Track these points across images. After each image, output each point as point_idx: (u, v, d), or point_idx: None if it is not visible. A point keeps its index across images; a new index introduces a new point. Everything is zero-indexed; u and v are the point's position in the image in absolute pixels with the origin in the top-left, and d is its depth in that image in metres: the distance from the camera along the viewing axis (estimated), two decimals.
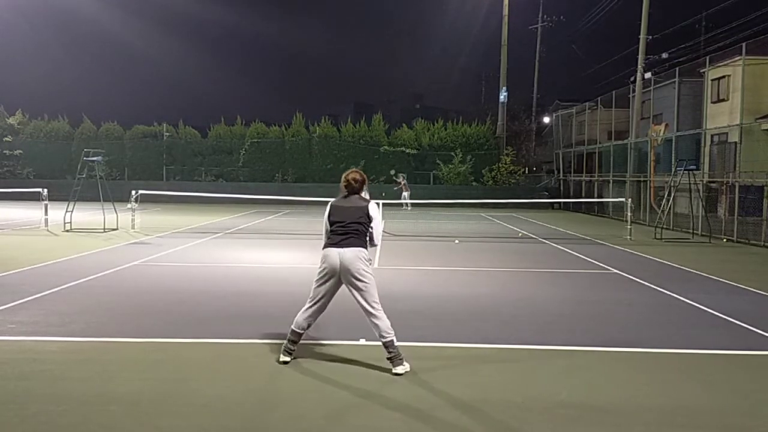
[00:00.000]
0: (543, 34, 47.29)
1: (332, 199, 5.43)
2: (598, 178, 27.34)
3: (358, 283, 5.05)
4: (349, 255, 5.04)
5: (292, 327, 5.24)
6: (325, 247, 5.20)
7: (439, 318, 7.00)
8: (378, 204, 5.92)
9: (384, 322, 5.04)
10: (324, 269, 5.13)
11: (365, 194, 5.42)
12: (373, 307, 5.04)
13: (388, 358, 5.03)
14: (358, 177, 5.35)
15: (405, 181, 28.92)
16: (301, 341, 5.54)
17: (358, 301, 5.08)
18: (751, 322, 7.00)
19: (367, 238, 5.23)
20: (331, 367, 5.16)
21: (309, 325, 5.26)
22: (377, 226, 5.28)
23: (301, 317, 5.23)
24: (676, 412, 4.33)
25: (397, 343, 5.06)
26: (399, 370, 4.97)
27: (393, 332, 5.05)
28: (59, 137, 35.13)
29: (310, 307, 5.21)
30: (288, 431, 3.95)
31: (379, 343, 5.10)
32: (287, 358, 5.21)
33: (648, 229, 18.73)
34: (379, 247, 13.32)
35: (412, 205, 27.69)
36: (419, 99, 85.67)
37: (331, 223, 5.23)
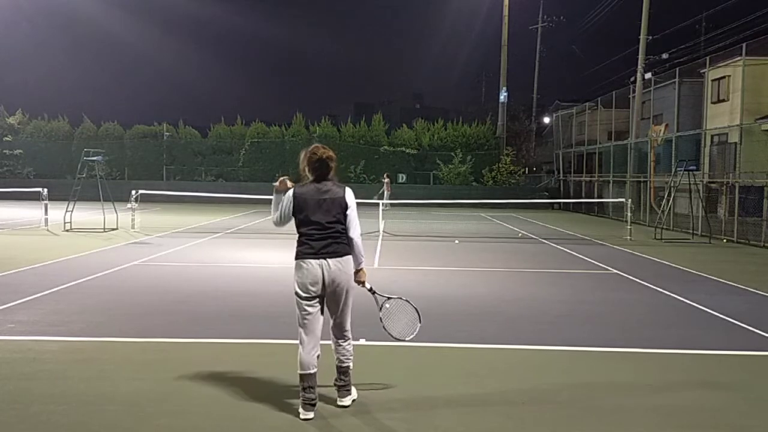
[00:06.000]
0: (543, 34, 47.38)
1: (295, 187, 4.30)
2: (598, 178, 27.34)
3: (343, 299, 4.24)
4: (336, 267, 4.16)
5: (303, 371, 4.15)
6: (302, 256, 4.20)
7: (438, 318, 6.99)
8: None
9: (351, 344, 4.39)
10: (305, 286, 4.17)
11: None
12: (348, 327, 4.36)
13: (338, 386, 4.33)
14: (332, 154, 4.28)
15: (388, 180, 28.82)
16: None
17: (337, 316, 4.28)
18: (751, 322, 7.00)
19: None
20: (330, 367, 5.14)
21: (318, 357, 4.25)
22: (354, 216, 4.27)
23: (306, 355, 4.17)
24: (676, 412, 4.33)
25: (399, 344, 5.03)
26: (347, 401, 4.31)
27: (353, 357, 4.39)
28: (59, 137, 35.13)
29: (307, 335, 4.20)
30: (288, 431, 3.95)
31: (379, 343, 5.09)
32: (310, 414, 4.09)
33: (648, 229, 18.73)
34: (379, 247, 13.39)
35: (410, 204, 27.64)
36: (419, 99, 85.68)
37: (302, 222, 4.20)
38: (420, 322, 4.61)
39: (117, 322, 6.57)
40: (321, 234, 4.17)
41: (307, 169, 4.28)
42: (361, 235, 4.37)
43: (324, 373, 4.42)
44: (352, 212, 4.26)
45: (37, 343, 5.74)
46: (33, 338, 5.88)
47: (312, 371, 4.17)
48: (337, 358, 4.34)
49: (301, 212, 4.21)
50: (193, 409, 4.25)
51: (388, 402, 4.40)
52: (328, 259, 4.16)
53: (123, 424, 3.98)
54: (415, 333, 4.61)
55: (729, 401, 4.59)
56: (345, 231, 4.24)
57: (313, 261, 4.16)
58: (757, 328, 6.74)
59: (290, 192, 4.27)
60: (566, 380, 4.96)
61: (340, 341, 4.34)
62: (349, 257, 4.26)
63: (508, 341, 6.09)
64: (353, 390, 4.40)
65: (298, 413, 4.13)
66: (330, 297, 4.24)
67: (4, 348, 5.57)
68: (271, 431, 3.96)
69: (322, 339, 4.29)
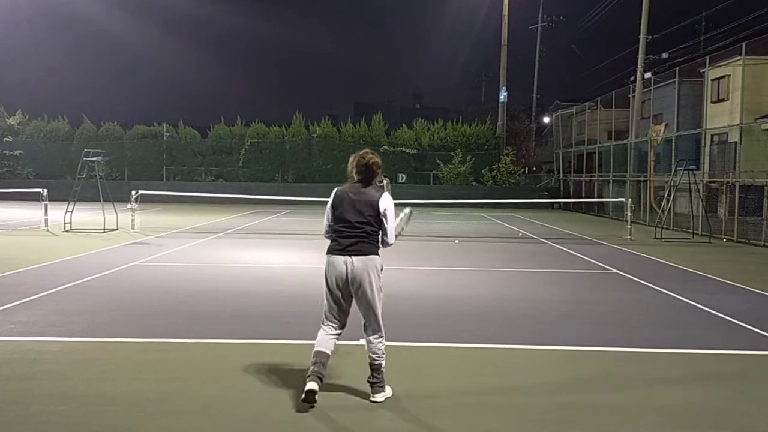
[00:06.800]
0: (543, 34, 47.37)
1: (338, 187, 4.57)
2: (598, 178, 27.34)
3: (367, 297, 4.38)
4: (359, 264, 4.33)
5: (317, 348, 4.39)
6: (330, 252, 4.45)
7: (439, 318, 7.00)
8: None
9: (383, 343, 4.48)
10: (330, 280, 4.41)
11: (380, 182, 4.65)
12: (378, 324, 4.44)
13: (371, 383, 4.46)
14: (378, 160, 4.50)
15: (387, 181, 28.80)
16: (302, 341, 5.53)
17: (365, 313, 4.43)
18: (751, 322, 6.99)
19: (379, 239, 4.49)
20: (331, 366, 5.14)
21: (335, 345, 4.48)
22: (391, 221, 4.48)
23: (324, 336, 4.44)
24: (676, 412, 4.33)
25: (399, 344, 5.04)
26: (379, 398, 4.41)
27: (385, 356, 4.51)
28: (59, 137, 35.10)
29: (328, 320, 4.47)
30: (289, 431, 3.95)
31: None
32: (315, 386, 4.24)
33: (648, 229, 18.73)
34: None
35: (410, 204, 27.59)
36: (419, 99, 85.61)
37: (336, 219, 4.45)
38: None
39: (117, 323, 6.57)
40: (350, 232, 4.40)
41: (354, 171, 4.52)
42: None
43: (328, 371, 4.42)
44: (387, 217, 4.46)
45: (37, 343, 5.74)
46: (33, 339, 5.88)
47: (325, 350, 4.38)
48: (369, 356, 4.48)
49: (337, 208, 4.45)
50: (193, 409, 4.25)
51: (388, 401, 4.40)
52: (353, 257, 4.37)
53: (123, 424, 3.98)
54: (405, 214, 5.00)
55: (729, 401, 4.59)
56: (375, 233, 4.45)
57: (339, 257, 4.40)
58: (757, 328, 6.74)
59: (335, 189, 4.56)
60: (566, 380, 4.96)
61: (371, 338, 4.47)
62: (374, 256, 4.43)
63: (508, 341, 6.09)
64: (387, 388, 4.49)
65: (303, 386, 4.24)
66: (356, 294, 4.42)
67: (4, 348, 5.57)
68: (273, 431, 3.96)
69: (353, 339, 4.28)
